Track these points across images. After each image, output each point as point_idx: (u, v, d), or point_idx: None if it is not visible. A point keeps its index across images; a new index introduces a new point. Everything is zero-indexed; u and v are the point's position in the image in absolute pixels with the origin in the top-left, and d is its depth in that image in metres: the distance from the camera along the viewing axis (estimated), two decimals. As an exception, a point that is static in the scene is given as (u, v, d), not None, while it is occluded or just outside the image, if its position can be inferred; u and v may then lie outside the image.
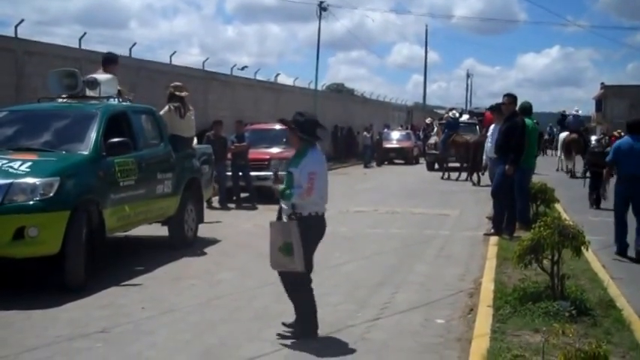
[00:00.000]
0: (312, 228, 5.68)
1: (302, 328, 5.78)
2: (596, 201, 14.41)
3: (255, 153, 15.80)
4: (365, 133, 31.65)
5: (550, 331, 4.79)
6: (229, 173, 15.25)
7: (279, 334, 5.78)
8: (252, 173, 15.29)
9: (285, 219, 5.68)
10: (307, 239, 5.61)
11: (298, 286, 5.75)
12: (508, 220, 10.60)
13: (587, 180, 15.52)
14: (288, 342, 5.63)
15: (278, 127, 18.71)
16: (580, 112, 28.26)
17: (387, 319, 6.37)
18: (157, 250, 9.67)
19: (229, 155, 15.28)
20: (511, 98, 10.94)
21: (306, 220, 5.65)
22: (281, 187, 5.80)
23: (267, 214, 13.82)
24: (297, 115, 5.93)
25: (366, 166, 30.04)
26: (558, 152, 28.24)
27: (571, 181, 21.17)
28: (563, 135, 27.21)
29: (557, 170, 25.56)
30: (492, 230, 10.74)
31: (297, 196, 5.61)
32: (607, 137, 32.69)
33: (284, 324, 5.87)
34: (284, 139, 17.11)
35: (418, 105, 59.04)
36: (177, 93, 10.45)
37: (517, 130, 10.54)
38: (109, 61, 10.38)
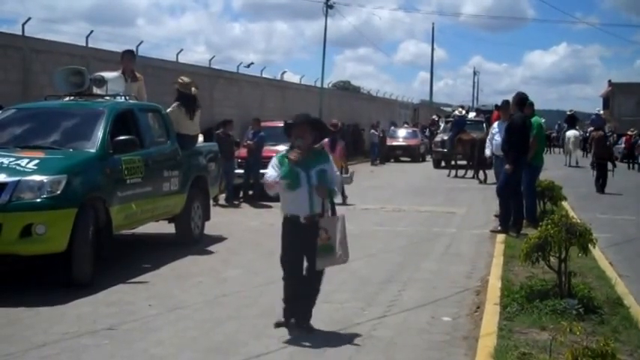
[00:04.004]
0: None
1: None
2: (601, 187, 17.92)
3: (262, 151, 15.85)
4: (373, 130, 31.59)
5: (557, 328, 4.77)
6: (241, 170, 15.36)
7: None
8: (261, 171, 15.37)
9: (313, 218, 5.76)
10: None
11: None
12: (515, 218, 10.57)
13: (595, 171, 18.54)
14: (294, 339, 5.63)
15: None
16: (601, 111, 30.42)
17: (394, 317, 6.36)
18: (163, 248, 9.68)
19: (244, 152, 15.45)
20: (517, 98, 10.90)
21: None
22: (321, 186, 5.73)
23: (273, 211, 13.88)
24: (307, 115, 6.03)
25: (372, 164, 30.01)
26: (566, 149, 28.80)
27: (578, 179, 21.13)
28: (571, 133, 27.94)
29: (569, 165, 26.53)
30: (499, 228, 10.72)
31: (337, 191, 5.94)
32: (615, 134, 33.18)
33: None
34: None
35: (425, 102, 58.99)
36: (186, 91, 10.30)
37: (516, 128, 10.53)
38: (123, 57, 10.52)
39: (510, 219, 10.60)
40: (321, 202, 5.75)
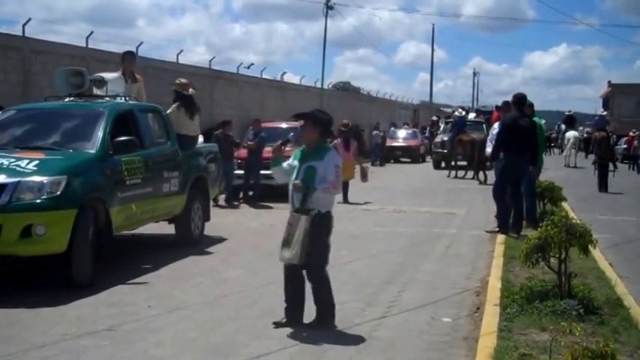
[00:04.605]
0: (329, 225, 5.86)
1: (324, 317, 5.92)
2: (604, 187, 18.45)
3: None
4: (376, 131, 31.54)
5: (557, 329, 4.77)
6: (241, 171, 15.34)
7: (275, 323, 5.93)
8: (261, 172, 15.37)
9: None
10: (327, 236, 5.82)
11: (322, 280, 5.91)
12: (515, 219, 10.56)
13: (597, 171, 19.03)
14: (295, 340, 5.64)
15: (285, 125, 18.74)
16: (605, 113, 30.99)
17: (394, 318, 6.36)
18: (163, 249, 9.68)
19: (244, 153, 15.48)
20: (514, 98, 10.92)
21: (325, 217, 5.79)
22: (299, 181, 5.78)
23: (273, 212, 13.89)
24: (318, 112, 6.10)
25: (373, 164, 29.95)
26: (565, 150, 29.04)
27: (578, 180, 21.15)
28: (571, 134, 28.27)
29: (568, 166, 26.77)
30: (496, 229, 10.70)
31: (323, 191, 5.72)
32: (615, 135, 33.49)
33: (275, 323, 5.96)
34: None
35: (425, 103, 59.02)
36: (184, 92, 10.37)
37: (505, 128, 10.70)
38: (123, 58, 10.50)
39: (509, 220, 10.58)
40: (300, 198, 5.74)
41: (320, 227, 5.73)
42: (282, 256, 5.79)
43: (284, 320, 5.97)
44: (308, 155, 5.85)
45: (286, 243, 5.69)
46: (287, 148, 6.26)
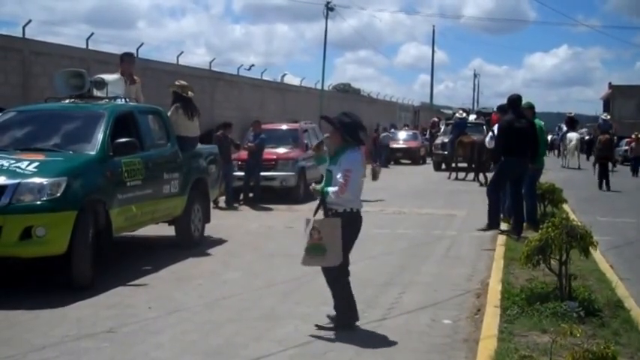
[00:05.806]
0: (347, 224, 5.82)
1: (340, 317, 5.93)
2: (604, 185, 19.24)
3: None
4: (386, 132, 31.45)
5: (558, 331, 4.76)
6: (241, 173, 15.31)
7: (317, 325, 5.95)
8: (261, 173, 15.36)
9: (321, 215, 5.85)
10: (344, 236, 5.76)
11: (337, 279, 5.88)
12: (516, 221, 10.56)
13: (597, 171, 19.79)
14: (295, 342, 5.63)
15: (285, 127, 18.74)
16: (608, 116, 31.50)
17: (394, 320, 6.36)
18: (163, 250, 9.68)
19: (244, 155, 15.48)
20: (508, 100, 10.93)
21: (341, 216, 5.81)
22: (320, 186, 5.96)
23: (273, 214, 13.89)
24: (344, 115, 6.08)
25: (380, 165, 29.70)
26: (567, 151, 29.14)
27: (579, 182, 21.16)
28: (573, 135, 28.50)
29: (568, 167, 27.43)
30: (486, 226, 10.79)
31: (332, 194, 5.80)
32: (615, 137, 33.75)
33: (329, 316, 6.00)
34: (290, 139, 17.14)
35: (425, 105, 59.03)
36: (184, 94, 10.39)
37: (500, 131, 10.75)
38: (122, 59, 10.50)
39: (499, 217, 10.67)
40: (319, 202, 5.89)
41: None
42: (308, 262, 5.82)
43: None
44: (331, 159, 5.98)
45: (317, 249, 5.70)
46: (325, 148, 6.36)
